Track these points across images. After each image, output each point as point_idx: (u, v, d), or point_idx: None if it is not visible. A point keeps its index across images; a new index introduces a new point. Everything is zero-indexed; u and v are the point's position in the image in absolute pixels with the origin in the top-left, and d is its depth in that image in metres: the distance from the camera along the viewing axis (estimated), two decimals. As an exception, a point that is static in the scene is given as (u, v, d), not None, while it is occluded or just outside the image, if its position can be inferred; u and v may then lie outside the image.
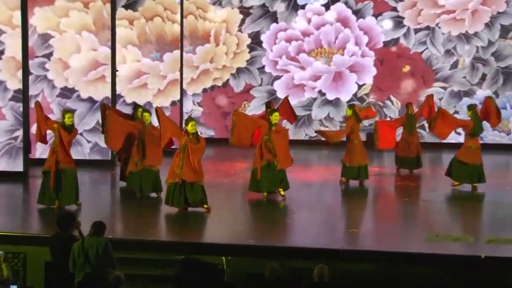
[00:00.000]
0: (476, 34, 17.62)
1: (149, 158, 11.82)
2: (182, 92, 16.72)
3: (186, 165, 10.70)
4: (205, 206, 10.89)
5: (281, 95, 18.21)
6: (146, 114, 12.09)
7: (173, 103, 16.82)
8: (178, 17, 16.71)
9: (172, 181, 10.82)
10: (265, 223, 10.71)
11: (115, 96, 15.40)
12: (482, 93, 17.55)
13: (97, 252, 7.78)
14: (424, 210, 11.65)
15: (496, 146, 17.01)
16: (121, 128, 12.07)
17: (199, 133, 11.04)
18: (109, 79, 15.16)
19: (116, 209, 12.09)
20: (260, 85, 18.46)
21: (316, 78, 18.26)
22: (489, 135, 17.28)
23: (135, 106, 13.53)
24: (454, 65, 17.83)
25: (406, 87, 18.02)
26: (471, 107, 12.68)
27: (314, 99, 18.29)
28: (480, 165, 12.51)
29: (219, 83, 18.54)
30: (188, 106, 18.32)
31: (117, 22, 17.66)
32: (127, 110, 14.40)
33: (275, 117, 11.78)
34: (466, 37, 17.69)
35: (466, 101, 17.50)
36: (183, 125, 11.33)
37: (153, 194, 11.94)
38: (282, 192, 11.83)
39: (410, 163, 14.27)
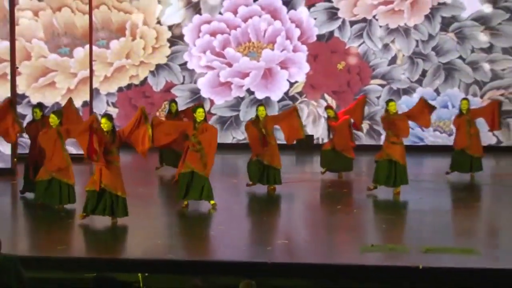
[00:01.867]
0: (415, 27, 18.07)
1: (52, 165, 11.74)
2: (92, 91, 16.58)
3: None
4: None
5: (205, 94, 18.34)
6: (53, 116, 11.99)
7: (85, 104, 16.74)
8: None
9: (90, 188, 10.86)
10: (187, 235, 10.77)
11: (15, 96, 15.13)
12: (422, 90, 18.01)
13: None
14: (357, 218, 11.90)
15: (437, 147, 17.47)
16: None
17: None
18: (9, 77, 14.92)
19: (19, 223, 11.96)
20: (182, 83, 18.53)
21: (244, 75, 18.44)
22: (430, 135, 17.73)
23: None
24: (393, 61, 18.24)
25: (342, 84, 18.33)
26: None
27: (242, 99, 18.45)
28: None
29: (136, 82, 18.52)
30: (102, 107, 18.23)
31: (20, 13, 17.48)
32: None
33: (200, 113, 11.85)
34: (405, 30, 18.11)
35: (406, 99, 17.95)
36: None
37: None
38: (212, 202, 11.93)
39: (343, 166, 14.59)
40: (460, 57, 18.04)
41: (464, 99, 14.99)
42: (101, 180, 10.79)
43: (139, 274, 8.81)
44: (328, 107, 15.23)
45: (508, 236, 10.72)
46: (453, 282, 8.80)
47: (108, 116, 11.05)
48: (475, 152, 14.39)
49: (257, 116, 13.40)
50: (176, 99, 18.15)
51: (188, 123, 11.99)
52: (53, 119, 11.70)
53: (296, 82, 18.45)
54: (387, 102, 13.09)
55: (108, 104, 18.50)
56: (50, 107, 18.17)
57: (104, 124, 10.81)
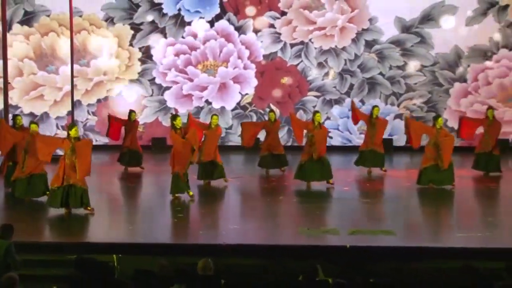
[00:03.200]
0: (344, 48, 18.17)
1: (28, 167, 11.54)
2: (73, 102, 16.36)
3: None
4: (88, 208, 10.79)
5: (170, 104, 18.25)
6: (33, 125, 11.83)
7: (69, 113, 16.51)
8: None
9: (57, 185, 10.68)
10: (153, 222, 10.68)
11: (7, 107, 14.92)
12: (350, 101, 18.06)
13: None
14: (297, 206, 11.93)
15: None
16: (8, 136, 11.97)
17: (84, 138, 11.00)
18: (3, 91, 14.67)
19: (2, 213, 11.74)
20: (151, 95, 18.37)
21: (203, 88, 18.35)
22: (357, 138, 17.83)
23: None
24: (326, 76, 18.32)
25: (284, 95, 18.36)
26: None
27: (202, 108, 18.37)
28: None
29: (113, 94, 18.31)
30: (84, 116, 18.04)
31: (13, 37, 17.25)
32: (25, 121, 14.10)
33: (179, 121, 11.88)
34: (335, 51, 18.21)
35: (337, 108, 18.04)
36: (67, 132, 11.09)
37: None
38: (190, 193, 11.89)
39: (275, 162, 14.58)
40: (381, 73, 18.16)
41: (375, 106, 15.06)
42: (66, 175, 10.64)
43: (114, 255, 8.74)
44: (270, 111, 15.29)
45: (417, 220, 10.82)
46: (374, 258, 8.87)
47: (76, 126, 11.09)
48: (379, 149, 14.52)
49: (210, 123, 13.44)
50: (146, 109, 18.23)
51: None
52: (34, 127, 11.74)
53: (246, 94, 18.42)
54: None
55: (88, 113, 18.28)
56: (39, 116, 17.96)
57: (74, 132, 10.73)
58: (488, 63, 17.74)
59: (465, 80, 17.88)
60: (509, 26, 17.60)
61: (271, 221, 10.82)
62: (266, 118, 18.03)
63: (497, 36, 17.67)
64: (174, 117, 12.18)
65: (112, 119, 15.66)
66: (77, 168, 10.60)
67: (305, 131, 13.54)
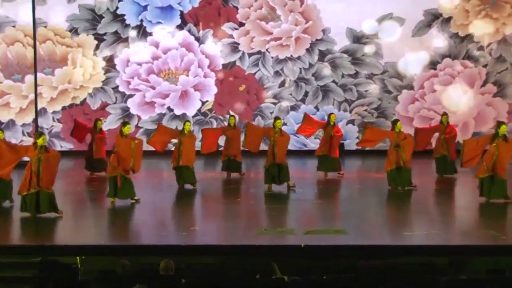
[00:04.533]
0: (299, 57, 18.25)
1: None
2: (37, 110, 16.11)
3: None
4: (58, 211, 10.63)
5: (133, 111, 18.12)
6: None
7: (34, 120, 16.24)
8: (37, 42, 16.15)
9: (26, 192, 10.51)
10: (115, 225, 10.57)
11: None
12: (305, 107, 18.21)
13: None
14: (253, 208, 11.91)
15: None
16: None
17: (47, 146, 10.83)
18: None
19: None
20: (115, 103, 18.19)
21: (165, 96, 18.24)
22: (312, 142, 17.92)
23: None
24: (282, 84, 18.39)
25: (243, 103, 18.37)
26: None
27: (164, 115, 18.25)
28: None
29: (77, 102, 18.08)
30: (49, 123, 17.79)
31: (-21, 47, 16.92)
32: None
33: (127, 129, 11.69)
34: (291, 60, 18.29)
35: (293, 114, 18.11)
36: (34, 139, 10.91)
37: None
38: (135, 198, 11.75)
39: (234, 167, 14.55)
40: (334, 81, 18.29)
41: (331, 113, 15.16)
42: (33, 182, 10.47)
43: (77, 257, 8.61)
44: (230, 116, 15.31)
45: (367, 219, 10.89)
46: (328, 256, 8.90)
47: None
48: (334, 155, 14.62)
49: (183, 129, 13.44)
50: (110, 116, 18.04)
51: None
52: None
53: (206, 101, 18.37)
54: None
55: (54, 120, 18.01)
56: (5, 124, 17.63)
57: (42, 140, 10.60)
58: (433, 72, 18.03)
59: (412, 88, 18.12)
60: (452, 37, 17.91)
61: (230, 222, 10.78)
62: (226, 124, 18.08)
63: (441, 46, 17.97)
64: (124, 124, 12.00)
65: (77, 124, 15.49)
66: (42, 178, 10.47)
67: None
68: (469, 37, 17.86)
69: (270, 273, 7.36)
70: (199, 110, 18.32)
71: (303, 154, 17.37)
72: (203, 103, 18.34)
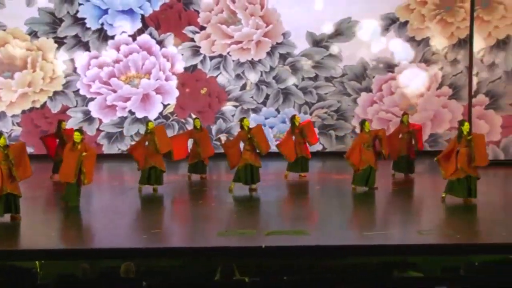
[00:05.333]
0: (260, 61, 18.27)
1: None
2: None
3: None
4: (17, 215, 10.45)
5: (94, 114, 17.90)
6: None
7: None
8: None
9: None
10: (75, 228, 10.41)
11: None
12: (266, 110, 18.24)
13: None
14: (216, 210, 11.87)
15: (277, 154, 17.66)
16: None
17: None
18: None
19: None
20: (76, 106, 17.94)
21: (126, 99, 18.05)
22: (272, 145, 17.90)
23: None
24: (243, 87, 18.38)
25: (204, 105, 18.31)
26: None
27: (125, 118, 18.07)
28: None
29: (37, 105, 17.78)
30: (8, 127, 17.48)
31: None
32: None
33: (77, 136, 11.48)
34: (252, 64, 18.29)
35: (254, 117, 18.10)
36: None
37: None
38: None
39: (199, 170, 14.50)
40: (294, 84, 18.37)
41: (294, 115, 15.25)
42: (4, 185, 10.28)
43: (37, 262, 8.45)
44: (195, 118, 15.23)
45: (328, 221, 10.94)
46: (289, 256, 8.91)
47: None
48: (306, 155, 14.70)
49: (147, 129, 13.36)
50: (71, 120, 17.76)
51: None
52: None
53: (168, 104, 18.25)
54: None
55: (13, 124, 17.68)
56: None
57: (3, 140, 10.47)
58: (390, 75, 18.23)
59: (370, 90, 18.29)
60: (409, 40, 18.14)
61: (191, 225, 10.72)
62: (188, 127, 18.00)
63: (398, 50, 18.18)
64: (79, 131, 11.64)
65: (45, 140, 15.13)
66: (15, 171, 10.30)
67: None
68: (425, 41, 18.11)
69: (230, 274, 7.31)
70: (160, 113, 18.18)
71: (265, 156, 17.34)
72: (165, 106, 18.23)
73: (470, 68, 16.93)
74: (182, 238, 9.86)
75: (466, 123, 11.85)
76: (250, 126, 13.57)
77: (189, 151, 14.72)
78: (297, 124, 14.81)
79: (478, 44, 16.74)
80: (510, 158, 16.22)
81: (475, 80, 16.73)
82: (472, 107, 16.72)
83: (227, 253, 9.03)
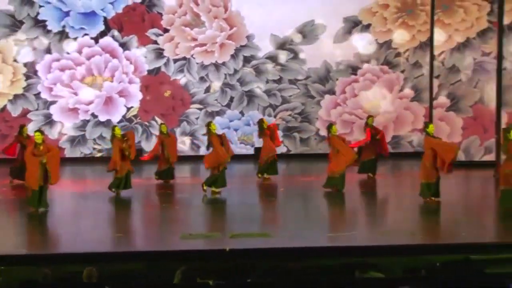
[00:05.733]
0: (224, 63, 18.30)
1: None
2: None
3: None
4: None
5: (56, 118, 17.71)
6: None
7: None
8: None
9: None
10: (38, 233, 10.28)
11: None
12: (231, 112, 18.27)
13: None
14: (180, 213, 11.84)
15: (242, 156, 17.73)
16: None
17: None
18: None
19: None
20: (37, 109, 17.71)
21: (89, 102, 17.91)
22: (237, 147, 17.96)
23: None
24: (207, 90, 18.38)
25: (168, 108, 18.24)
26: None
27: (88, 121, 17.92)
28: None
29: (-1, 107, 17.54)
30: (-35, 130, 17.24)
31: None
32: None
33: (37, 136, 11.32)
34: (216, 66, 18.30)
35: (218, 119, 18.10)
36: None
37: None
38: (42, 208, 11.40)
39: (166, 175, 14.46)
40: (258, 87, 18.44)
41: (261, 119, 15.34)
42: None
43: (-4, 268, 8.32)
44: (162, 124, 15.17)
45: (292, 222, 10.99)
46: (253, 259, 8.92)
47: None
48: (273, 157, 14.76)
49: (114, 134, 13.32)
50: (32, 123, 17.52)
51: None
52: None
53: (132, 107, 18.16)
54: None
55: (-29, 128, 17.44)
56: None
57: None
58: (354, 77, 18.42)
59: (334, 93, 18.45)
60: (372, 43, 18.35)
61: (155, 228, 10.67)
62: (152, 130, 17.92)
63: (361, 53, 18.38)
64: (39, 132, 11.52)
65: (7, 151, 14.90)
66: None
67: None
68: (387, 44, 18.35)
69: (191, 277, 7.29)
70: (124, 116, 18.08)
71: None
72: (128, 109, 18.12)
73: (431, 70, 17.20)
74: (145, 242, 9.80)
75: (431, 125, 12.02)
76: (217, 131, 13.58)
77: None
78: (265, 126, 14.87)
79: (439, 47, 17.02)
80: (471, 159, 16.51)
81: (436, 82, 17.00)
82: (434, 109, 16.97)
83: (191, 256, 8.99)
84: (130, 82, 18.07)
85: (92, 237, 10.02)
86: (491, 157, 15.79)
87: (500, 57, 14.60)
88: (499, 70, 14.60)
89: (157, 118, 18.09)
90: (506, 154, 11.28)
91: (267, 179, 14.69)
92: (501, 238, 9.71)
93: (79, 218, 11.28)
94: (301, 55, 18.31)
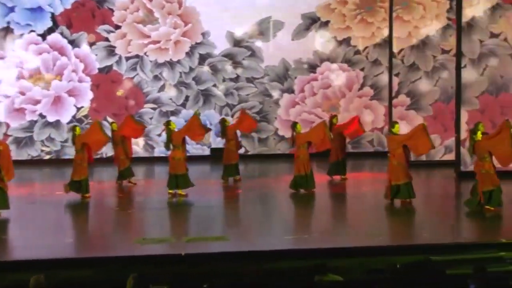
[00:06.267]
0: (179, 61, 18.20)
1: None
2: None
3: None
4: None
5: (1, 119, 17.40)
6: None
7: None
8: None
9: None
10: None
11: None
12: (186, 112, 18.17)
13: None
14: (134, 217, 11.71)
15: (198, 157, 17.67)
16: None
17: None
18: None
19: None
20: (-19, 109, 17.35)
21: (36, 102, 17.60)
22: (193, 148, 17.87)
23: None
24: (162, 89, 18.24)
25: (121, 108, 18.06)
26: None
27: (35, 122, 17.61)
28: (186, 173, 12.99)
29: None
30: None
31: None
32: None
33: None
34: (170, 64, 18.19)
35: (173, 119, 17.92)
36: None
37: None
38: None
39: (128, 173, 14.38)
40: (215, 85, 18.39)
41: (223, 117, 15.33)
42: None
43: None
44: (112, 122, 15.04)
45: (249, 225, 10.97)
46: (209, 264, 8.88)
47: None
48: (235, 160, 14.70)
49: (75, 135, 13.07)
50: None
51: None
52: None
53: (82, 107, 17.91)
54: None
55: None
56: None
57: None
58: (312, 75, 18.52)
59: (293, 91, 18.52)
60: (330, 40, 18.48)
61: (107, 233, 10.53)
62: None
63: (320, 50, 18.49)
64: None
65: None
66: None
67: None
68: (346, 41, 18.50)
69: (145, 284, 7.20)
70: (74, 116, 17.83)
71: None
72: (78, 109, 17.87)
73: (390, 68, 17.40)
74: (96, 247, 9.65)
75: (397, 125, 12.10)
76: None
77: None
78: (227, 125, 14.88)
79: (399, 44, 17.22)
80: (431, 158, 16.74)
81: (396, 80, 17.20)
82: (394, 108, 17.16)
83: (145, 261, 8.89)
84: (80, 80, 17.83)
85: (40, 243, 9.83)
86: (451, 156, 16.03)
87: (459, 55, 14.85)
88: (458, 68, 14.84)
89: (109, 118, 17.87)
90: (475, 154, 11.34)
91: (226, 180, 14.65)
92: (462, 239, 9.85)
93: (26, 223, 11.05)
94: (259, 53, 18.32)
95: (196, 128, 13.29)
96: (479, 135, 11.14)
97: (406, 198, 11.79)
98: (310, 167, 13.04)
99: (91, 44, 17.80)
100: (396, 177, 11.75)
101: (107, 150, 16.58)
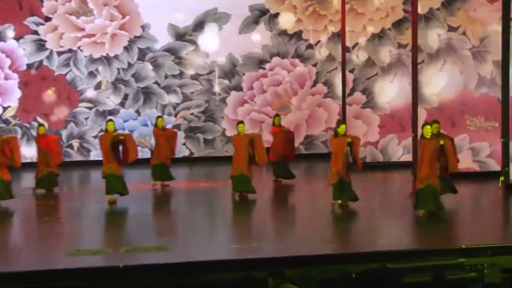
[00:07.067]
0: (116, 56, 18.01)
1: None
2: None
3: None
4: None
5: None
6: None
7: None
8: None
9: None
10: None
11: None
12: (125, 112, 18.00)
13: None
14: (66, 226, 11.50)
15: (137, 160, 17.44)
16: None
17: None
18: None
19: None
20: None
21: (-43, 101, 17.20)
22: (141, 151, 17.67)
23: None
24: (98, 86, 18.03)
25: (52, 107, 17.79)
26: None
27: (-43, 123, 17.21)
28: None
29: None
30: None
31: None
32: None
33: None
34: (107, 60, 17.98)
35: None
36: None
37: None
38: None
39: (50, 181, 14.13)
40: (156, 82, 18.27)
41: (159, 116, 15.17)
42: None
43: None
44: (40, 125, 14.76)
45: (194, 233, 10.90)
46: (150, 276, 8.79)
47: None
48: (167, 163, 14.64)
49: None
50: None
51: None
52: None
53: (9, 106, 17.57)
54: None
55: None
56: None
57: None
58: (262, 71, 18.57)
59: (241, 89, 18.53)
60: (281, 34, 18.56)
61: (36, 245, 10.31)
62: (33, 132, 17.36)
63: (270, 44, 18.55)
64: None
65: None
66: None
67: None
68: (297, 35, 18.61)
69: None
70: (0, 117, 17.48)
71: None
72: (5, 108, 17.53)
73: (343, 64, 17.52)
74: (25, 261, 9.45)
75: (343, 125, 12.18)
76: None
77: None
78: (160, 126, 14.73)
79: (353, 38, 17.36)
80: (389, 159, 16.94)
81: (350, 77, 17.33)
82: (348, 106, 17.28)
83: (79, 275, 8.75)
84: (7, 78, 17.49)
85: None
86: (409, 157, 16.24)
87: (415, 50, 15.06)
88: (415, 63, 15.05)
89: (39, 119, 17.57)
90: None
91: (165, 185, 14.54)
92: (420, 245, 9.98)
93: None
94: (203, 47, 18.27)
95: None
96: (425, 133, 11.29)
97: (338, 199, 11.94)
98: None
99: (18, 38, 17.47)
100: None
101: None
